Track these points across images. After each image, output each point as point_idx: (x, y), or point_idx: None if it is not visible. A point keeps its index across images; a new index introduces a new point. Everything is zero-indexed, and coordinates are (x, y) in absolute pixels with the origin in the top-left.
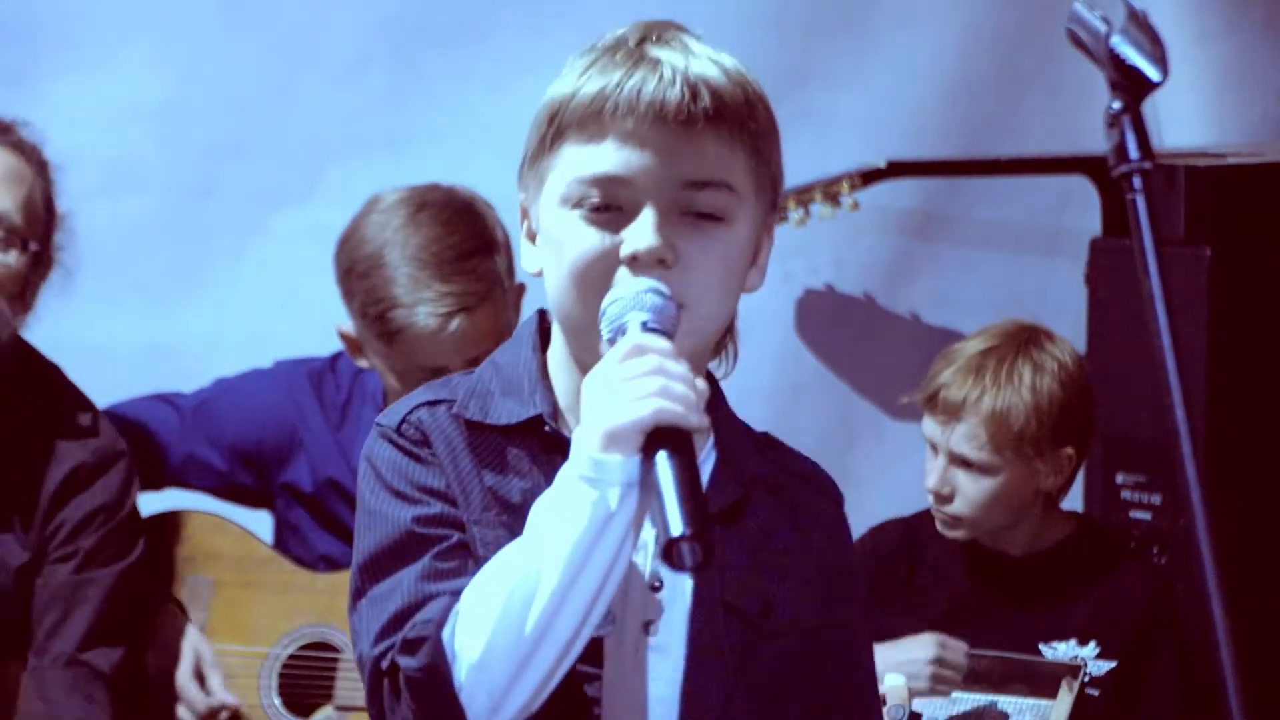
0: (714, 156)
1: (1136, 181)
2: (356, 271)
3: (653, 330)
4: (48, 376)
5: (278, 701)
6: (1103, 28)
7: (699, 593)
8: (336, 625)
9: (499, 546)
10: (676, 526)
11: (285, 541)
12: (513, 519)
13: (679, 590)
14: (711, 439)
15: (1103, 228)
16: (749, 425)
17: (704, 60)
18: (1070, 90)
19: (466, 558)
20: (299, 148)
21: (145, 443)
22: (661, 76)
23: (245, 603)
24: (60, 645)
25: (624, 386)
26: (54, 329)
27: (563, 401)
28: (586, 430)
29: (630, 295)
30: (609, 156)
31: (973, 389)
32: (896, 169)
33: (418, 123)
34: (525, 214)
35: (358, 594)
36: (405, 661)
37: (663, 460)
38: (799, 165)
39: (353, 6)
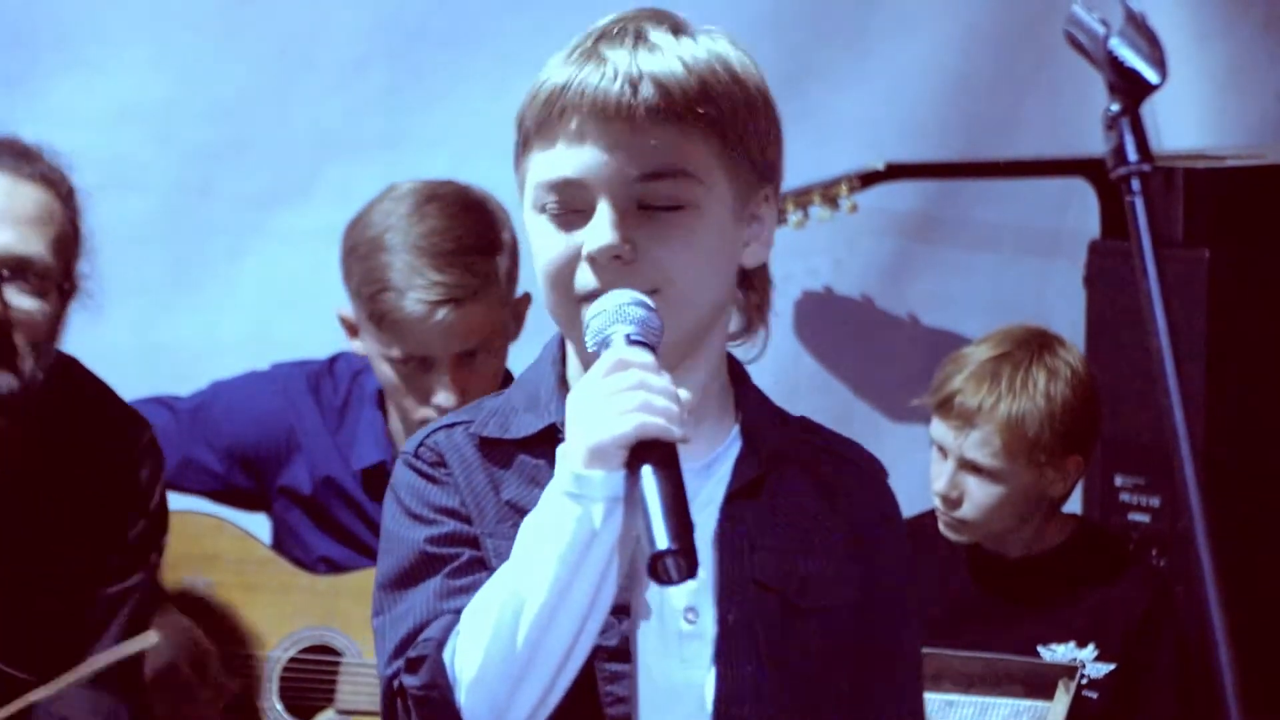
0: (664, 147)
1: (1135, 184)
2: (358, 253)
3: (636, 343)
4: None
5: (279, 705)
6: (1101, 30)
7: (725, 572)
8: (337, 628)
9: None
10: (661, 541)
11: (284, 544)
12: None
13: (714, 574)
14: (736, 428)
15: (1101, 230)
16: (782, 409)
17: (659, 53)
18: (1069, 92)
19: (481, 574)
20: (298, 148)
21: None
22: (604, 75)
23: (245, 605)
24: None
25: (606, 402)
26: None
27: None
28: (571, 446)
29: (613, 308)
30: (560, 160)
31: (988, 395)
32: (895, 171)
33: (417, 123)
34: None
35: (378, 614)
36: (409, 680)
37: (647, 474)
38: (798, 167)
39: (352, 7)
